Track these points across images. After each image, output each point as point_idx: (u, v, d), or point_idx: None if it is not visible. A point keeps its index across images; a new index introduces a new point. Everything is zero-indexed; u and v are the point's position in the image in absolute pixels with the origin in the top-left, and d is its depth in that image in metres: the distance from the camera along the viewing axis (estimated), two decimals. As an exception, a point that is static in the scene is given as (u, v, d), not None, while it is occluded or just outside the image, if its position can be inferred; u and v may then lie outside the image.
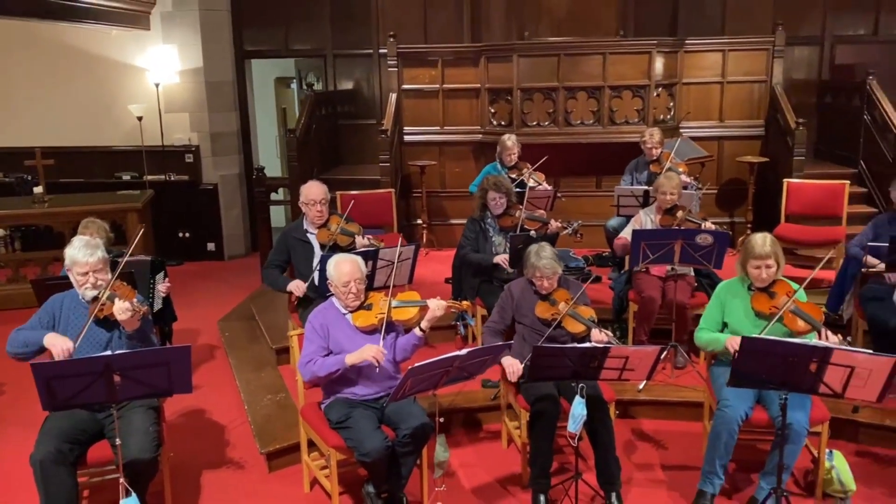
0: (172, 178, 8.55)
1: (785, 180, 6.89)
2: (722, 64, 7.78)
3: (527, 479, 4.06)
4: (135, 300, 3.48)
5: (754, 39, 7.80)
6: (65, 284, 3.75)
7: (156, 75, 8.40)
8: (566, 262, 6.14)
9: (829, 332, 3.74)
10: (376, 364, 3.58)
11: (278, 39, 8.99)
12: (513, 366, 3.98)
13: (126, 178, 8.52)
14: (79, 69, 8.53)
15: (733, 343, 3.79)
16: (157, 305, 4.60)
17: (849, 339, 4.21)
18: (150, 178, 8.48)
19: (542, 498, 3.87)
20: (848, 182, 6.84)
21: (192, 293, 7.41)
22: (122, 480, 3.24)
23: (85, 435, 3.52)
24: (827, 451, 4.03)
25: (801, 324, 3.79)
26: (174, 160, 8.64)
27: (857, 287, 5.15)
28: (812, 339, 3.63)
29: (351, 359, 3.61)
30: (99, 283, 3.54)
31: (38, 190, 7.30)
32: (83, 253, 3.54)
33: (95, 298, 3.53)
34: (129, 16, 8.08)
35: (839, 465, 4.03)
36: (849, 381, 3.25)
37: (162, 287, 4.62)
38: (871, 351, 3.38)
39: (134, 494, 3.27)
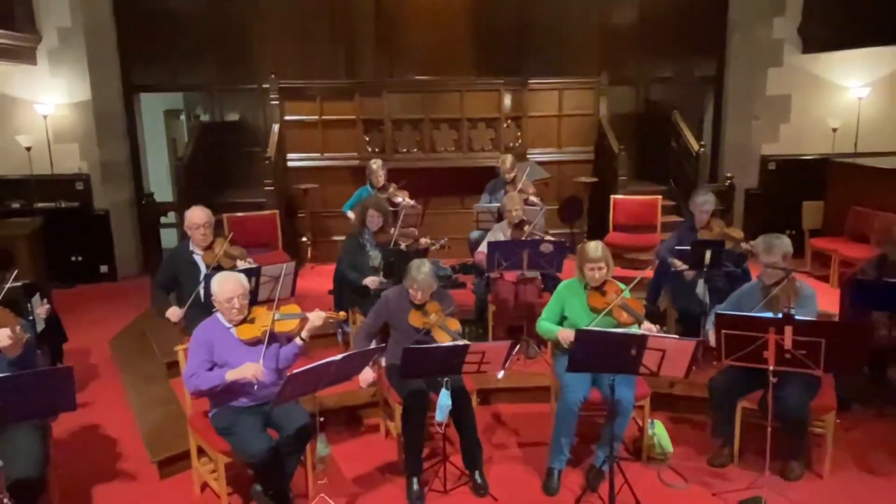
0: (63, 205, 7.88)
1: (611, 196, 7.22)
2: (559, 100, 8.06)
3: (402, 466, 4.01)
4: (17, 327, 3.16)
5: (584, 80, 8.11)
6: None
7: (44, 107, 7.74)
8: (436, 271, 6.14)
9: (648, 323, 3.92)
10: (255, 382, 3.42)
11: (166, 74, 8.52)
12: (366, 375, 4.05)
13: (15, 205, 7.77)
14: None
15: (565, 335, 3.91)
16: (40, 326, 4.20)
17: (665, 328, 4.44)
18: (40, 205, 7.79)
19: (415, 481, 3.83)
20: (661, 197, 7.27)
21: (85, 314, 6.85)
22: (6, 502, 2.92)
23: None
24: (649, 420, 4.22)
25: (626, 316, 3.94)
26: (64, 188, 7.98)
27: (669, 283, 5.41)
28: (635, 329, 3.80)
29: (231, 375, 3.42)
30: None
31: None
32: None
33: None
34: (13, 51, 7.41)
35: (659, 432, 4.23)
36: (662, 362, 3.42)
37: (40, 310, 4.22)
38: (677, 336, 3.57)
39: (19, 515, 2.96)
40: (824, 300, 5.37)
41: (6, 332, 3.12)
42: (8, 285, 4.01)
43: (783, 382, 3.68)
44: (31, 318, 4.12)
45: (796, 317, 3.51)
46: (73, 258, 7.99)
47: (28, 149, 7.68)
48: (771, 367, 3.49)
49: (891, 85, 8.67)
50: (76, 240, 7.95)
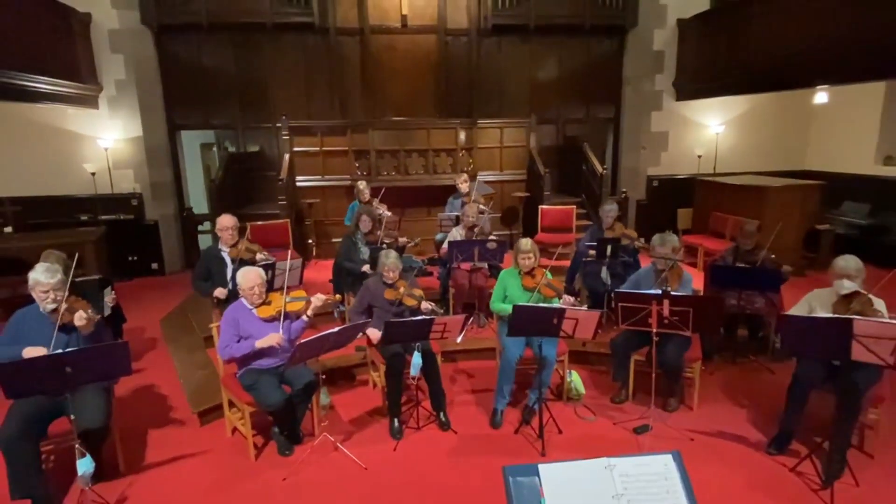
0: (122, 217, 7.60)
1: (539, 206, 7.25)
2: (500, 135, 8.05)
3: (385, 409, 3.99)
4: (89, 311, 3.05)
5: (518, 121, 8.11)
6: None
7: (104, 142, 7.45)
8: (411, 263, 6.10)
9: (568, 297, 3.95)
10: (278, 347, 3.38)
11: (201, 116, 8.24)
12: (374, 333, 3.93)
13: (83, 218, 7.47)
14: (42, 137, 7.39)
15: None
16: (107, 312, 4.05)
17: (579, 300, 4.49)
18: (103, 217, 7.50)
19: (396, 420, 3.82)
20: (575, 207, 7.33)
21: (140, 300, 6.63)
22: (76, 446, 2.81)
23: (44, 414, 3.04)
24: (568, 371, 4.27)
25: (550, 291, 3.96)
26: (122, 204, 7.69)
27: (581, 269, 5.48)
28: (556, 303, 3.84)
29: (260, 343, 3.37)
30: (57, 298, 3.07)
31: (7, 230, 6.22)
32: (45, 276, 3.07)
33: (55, 310, 3.05)
34: (79, 98, 7.09)
35: (575, 379, 4.29)
36: (576, 327, 3.46)
37: (108, 299, 4.07)
38: (587, 308, 3.61)
39: (88, 456, 2.85)
40: (694, 281, 5.51)
41: (82, 314, 3.03)
42: (88, 279, 3.91)
43: (663, 341, 3.75)
44: (101, 305, 3.98)
45: (672, 293, 3.59)
46: (130, 258, 7.70)
47: (93, 174, 7.40)
48: (654, 330, 3.54)
49: (739, 123, 8.91)
50: (132, 244, 7.67)
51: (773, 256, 4.62)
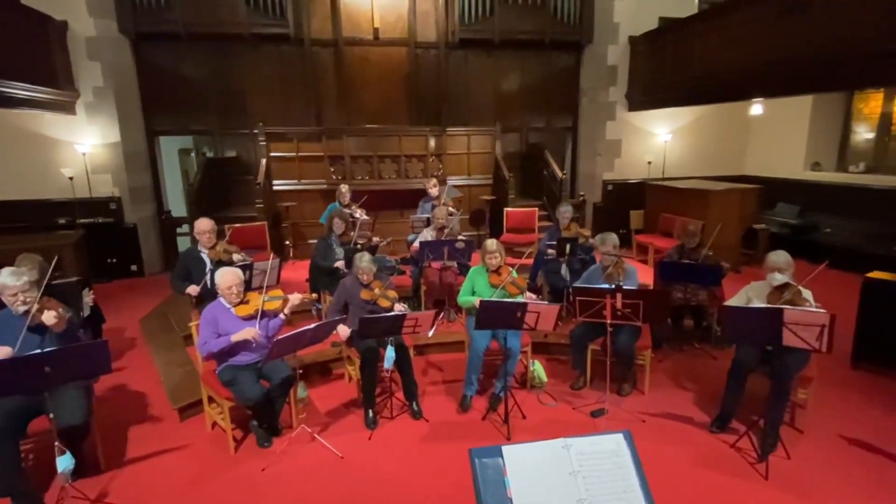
0: (100, 221, 7.31)
1: (505, 209, 7.32)
2: (468, 142, 8.07)
3: (360, 401, 3.96)
4: (60, 310, 2.93)
5: (485, 129, 8.14)
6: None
7: (82, 147, 7.15)
8: (384, 263, 6.08)
9: (530, 293, 4.01)
10: (253, 342, 3.32)
11: (179, 122, 8.00)
12: (343, 331, 3.90)
13: (61, 221, 7.16)
14: (19, 142, 7.05)
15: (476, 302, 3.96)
16: (86, 312, 3.90)
17: (540, 297, 4.54)
18: (81, 220, 7.19)
19: (370, 411, 3.79)
20: (537, 209, 7.40)
21: (120, 301, 6.40)
22: (56, 444, 2.71)
23: (23, 412, 2.91)
24: (531, 360, 4.31)
25: (514, 288, 4.01)
26: (101, 207, 7.39)
27: (543, 267, 5.55)
28: (520, 298, 3.88)
29: (235, 337, 3.31)
30: (28, 300, 2.95)
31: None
32: (11, 279, 2.93)
33: (27, 312, 2.92)
34: (58, 104, 6.80)
35: (538, 368, 4.33)
36: (538, 320, 3.50)
37: (88, 299, 3.93)
38: (547, 303, 3.66)
39: (68, 453, 2.75)
40: (644, 276, 5.62)
41: (53, 313, 2.92)
42: (66, 281, 3.76)
43: (617, 331, 3.84)
44: (82, 304, 3.83)
45: (624, 287, 3.68)
46: (110, 260, 7.42)
47: (71, 178, 7.10)
48: (609, 321, 3.63)
49: (684, 132, 9.17)
50: (112, 246, 7.39)
51: (710, 254, 4.78)
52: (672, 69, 7.77)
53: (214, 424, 3.72)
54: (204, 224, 4.28)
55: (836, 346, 3.05)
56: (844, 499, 2.98)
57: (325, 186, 7.50)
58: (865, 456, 3.36)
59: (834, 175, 8.26)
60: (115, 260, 7.47)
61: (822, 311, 3.04)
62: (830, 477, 3.16)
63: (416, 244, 5.42)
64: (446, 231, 5.47)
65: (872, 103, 8.11)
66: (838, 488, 3.06)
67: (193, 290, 4.20)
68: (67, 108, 7.06)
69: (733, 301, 3.73)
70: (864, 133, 8.27)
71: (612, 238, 4.17)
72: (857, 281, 4.49)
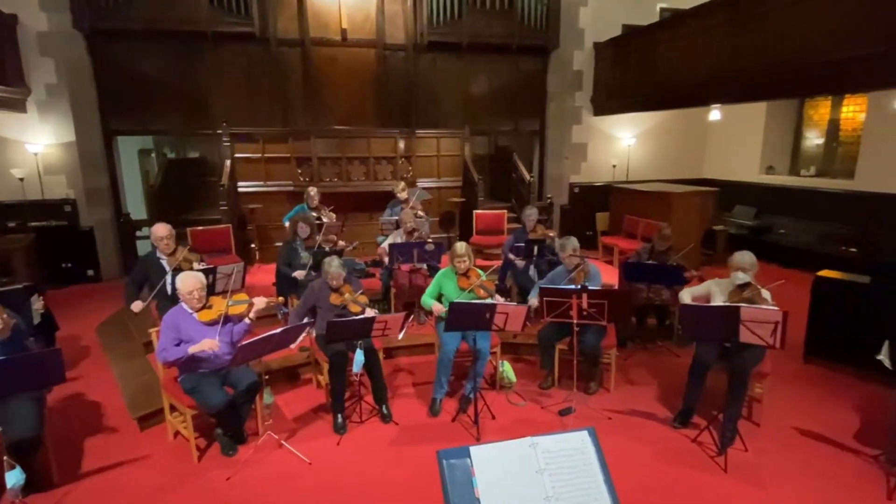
0: (53, 224, 6.98)
1: (474, 211, 7.36)
2: (437, 145, 8.07)
3: (329, 406, 3.90)
4: (4, 315, 2.79)
5: (454, 131, 8.15)
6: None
7: (34, 147, 6.82)
8: (354, 266, 6.02)
9: (498, 296, 4.03)
10: (212, 353, 3.23)
11: (138, 121, 7.71)
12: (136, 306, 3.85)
13: (11, 224, 6.79)
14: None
15: (437, 308, 3.97)
16: (36, 319, 3.71)
17: (508, 298, 4.57)
18: (33, 223, 6.85)
19: (339, 416, 3.74)
20: (506, 211, 7.47)
21: (76, 308, 6.12)
22: (4, 458, 2.57)
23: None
24: (501, 361, 4.33)
25: (483, 292, 4.03)
26: (54, 210, 7.05)
27: (511, 268, 5.59)
28: (489, 300, 3.90)
29: (193, 349, 3.21)
30: None
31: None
32: None
33: None
34: (6, 102, 6.45)
35: (507, 369, 4.37)
36: (506, 321, 3.53)
37: (37, 306, 3.74)
38: (516, 303, 3.69)
39: (18, 467, 2.61)
40: (609, 277, 5.76)
41: None
42: (11, 287, 3.58)
43: (583, 331, 3.91)
44: (31, 312, 3.64)
45: (590, 287, 3.75)
46: (64, 265, 7.09)
47: (21, 179, 6.75)
48: (575, 321, 3.68)
49: (647, 137, 9.44)
50: (67, 250, 7.07)
51: (681, 262, 4.79)
52: (635, 75, 7.99)
53: (177, 434, 3.60)
54: (160, 230, 4.12)
55: (788, 342, 3.18)
56: (799, 488, 3.11)
57: (292, 188, 7.38)
58: (818, 446, 3.53)
59: (787, 178, 8.66)
60: (70, 264, 7.15)
61: (775, 308, 3.17)
62: (785, 467, 3.30)
63: (385, 246, 5.39)
64: (416, 234, 5.46)
65: (822, 110, 8.55)
66: (793, 478, 3.20)
67: (137, 306, 3.97)
68: (17, 105, 6.72)
69: (696, 290, 3.82)
70: (814, 139, 8.70)
71: (573, 242, 4.22)
72: (809, 279, 4.69)
